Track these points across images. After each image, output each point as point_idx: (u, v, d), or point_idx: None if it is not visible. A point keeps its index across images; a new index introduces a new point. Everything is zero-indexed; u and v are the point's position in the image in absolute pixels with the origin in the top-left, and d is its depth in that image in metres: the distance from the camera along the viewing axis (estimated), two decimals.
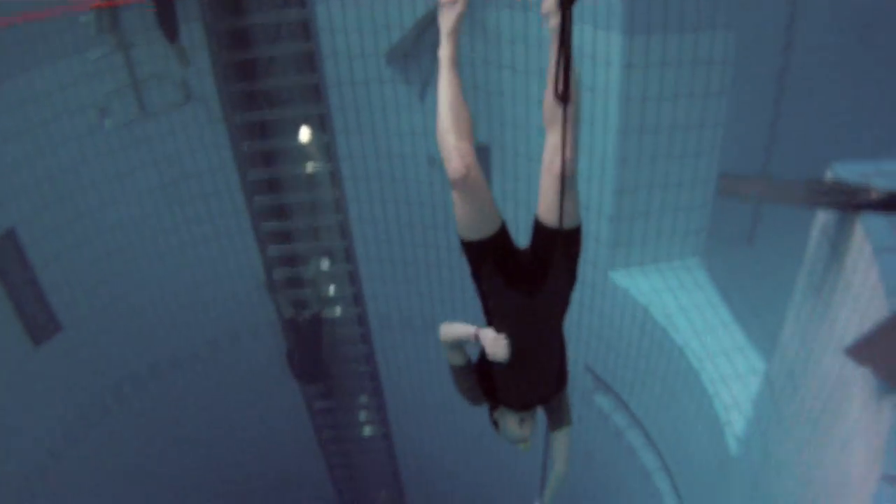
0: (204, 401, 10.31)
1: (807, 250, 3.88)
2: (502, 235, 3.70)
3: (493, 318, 3.92)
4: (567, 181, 3.40)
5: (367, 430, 11.42)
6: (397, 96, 7.78)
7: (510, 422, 4.25)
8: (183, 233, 8.87)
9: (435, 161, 7.93)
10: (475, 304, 8.33)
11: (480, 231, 3.64)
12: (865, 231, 3.13)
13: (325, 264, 9.65)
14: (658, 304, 6.56)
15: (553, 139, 3.42)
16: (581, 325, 7.53)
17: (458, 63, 3.62)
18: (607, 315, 7.16)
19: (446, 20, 3.61)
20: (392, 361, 10.40)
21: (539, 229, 3.72)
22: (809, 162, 4.09)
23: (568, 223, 3.58)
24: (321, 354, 10.25)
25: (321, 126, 8.44)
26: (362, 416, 11.30)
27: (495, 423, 4.38)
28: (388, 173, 8.36)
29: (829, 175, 3.48)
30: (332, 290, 9.81)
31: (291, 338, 10.21)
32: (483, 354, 3.96)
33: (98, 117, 7.60)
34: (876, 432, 2.66)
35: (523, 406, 4.20)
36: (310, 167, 8.86)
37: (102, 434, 9.03)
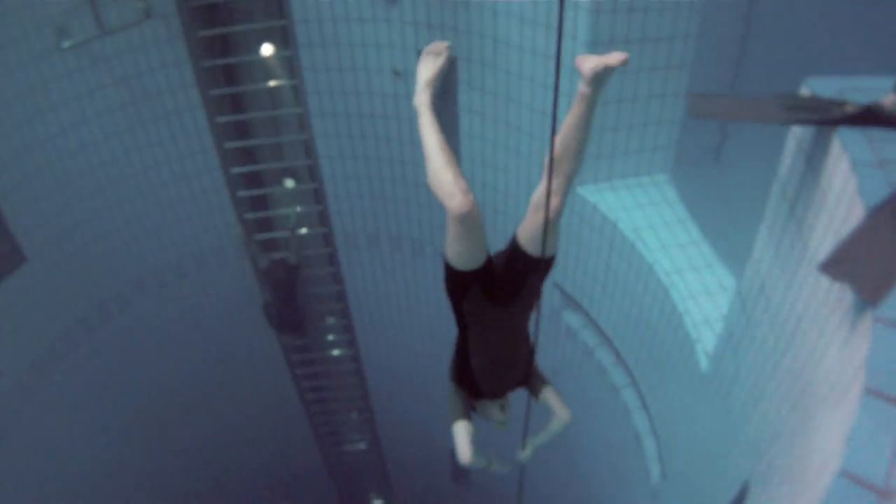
0: (173, 329, 10.23)
1: (780, 164, 3.79)
2: (489, 263, 3.99)
3: (466, 324, 4.39)
4: (551, 223, 3.72)
5: (336, 351, 11.40)
6: (361, 8, 7.55)
7: (492, 409, 4.94)
8: (145, 154, 8.64)
9: (400, 73, 7.77)
10: (441, 221, 8.30)
11: (472, 263, 3.91)
12: (843, 145, 3.04)
13: (289, 183, 9.52)
14: (626, 220, 6.49)
15: (545, 185, 3.59)
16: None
17: (434, 105, 3.89)
18: (575, 231, 7.08)
19: (426, 70, 3.92)
20: (359, 281, 10.33)
21: (518, 253, 4.07)
22: (781, 78, 3.99)
23: (548, 253, 3.99)
24: (298, 304, 10.35)
25: (284, 40, 8.20)
26: (330, 337, 11.26)
27: (473, 408, 4.98)
28: (353, 87, 8.17)
29: (802, 91, 3.40)
30: (298, 209, 9.68)
31: (268, 289, 10.25)
32: (461, 358, 4.65)
33: (55, 37, 7.29)
34: (856, 346, 2.60)
35: (502, 395, 4.87)
36: (273, 82, 8.65)
37: (72, 367, 8.93)
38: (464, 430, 4.85)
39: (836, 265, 2.70)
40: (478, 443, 4.83)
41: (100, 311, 9.06)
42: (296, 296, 10.36)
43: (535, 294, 4.26)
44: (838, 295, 2.96)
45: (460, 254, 3.87)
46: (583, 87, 3.53)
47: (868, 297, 2.64)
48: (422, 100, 3.87)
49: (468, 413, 4.96)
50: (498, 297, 4.17)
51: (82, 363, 9.04)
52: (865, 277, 2.63)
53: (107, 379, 9.54)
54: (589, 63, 3.45)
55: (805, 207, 3.43)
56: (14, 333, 8.14)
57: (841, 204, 2.99)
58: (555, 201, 3.75)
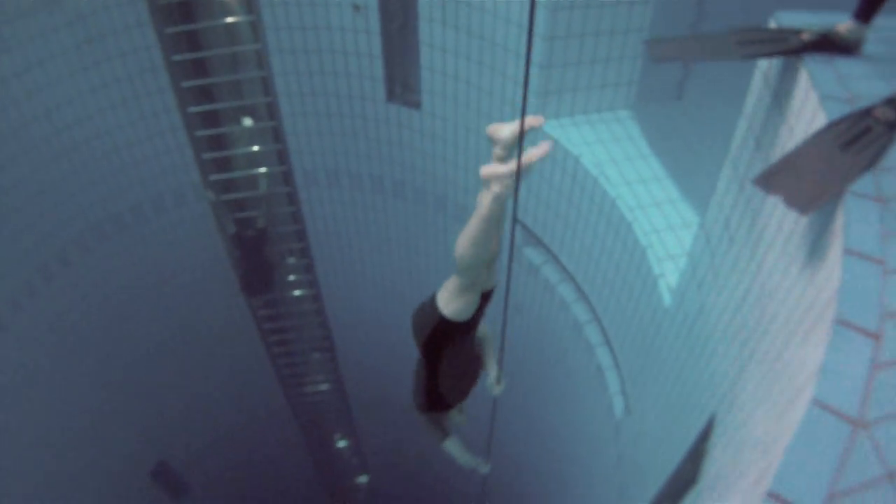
0: (132, 274, 10.12)
1: (747, 100, 3.78)
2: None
3: (440, 360, 4.71)
4: (491, 264, 4.31)
5: (297, 292, 11.35)
6: None
7: (454, 415, 5.54)
8: (100, 96, 8.44)
9: (359, 8, 7.65)
10: (402, 159, 8.27)
11: (466, 314, 4.27)
12: (811, 80, 3.04)
13: (247, 122, 9.39)
14: (589, 154, 6.47)
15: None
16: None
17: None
18: (537, 166, 7.06)
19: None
20: (319, 219, 10.26)
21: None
22: (745, 15, 3.97)
23: (491, 286, 4.42)
24: (267, 266, 10.51)
25: None
26: (291, 277, 11.21)
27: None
28: (312, 22, 8.02)
29: (770, 24, 3.40)
30: (255, 148, 9.56)
31: (236, 254, 10.32)
32: (431, 388, 4.99)
33: None
34: (825, 279, 2.62)
35: (464, 398, 5.36)
36: (230, 19, 8.46)
37: (33, 317, 8.82)
38: (458, 445, 5.63)
39: (771, 178, 2.73)
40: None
41: (59, 259, 8.91)
42: (265, 259, 10.50)
43: (483, 312, 4.51)
44: (806, 229, 2.97)
45: (462, 310, 4.22)
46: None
47: (799, 208, 2.67)
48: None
49: (449, 428, 5.58)
50: (466, 330, 4.46)
51: (44, 312, 8.93)
52: (799, 190, 2.66)
53: (70, 326, 9.44)
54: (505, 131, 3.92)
55: (772, 143, 3.43)
56: None
57: (809, 133, 3.00)
58: (493, 245, 4.17)
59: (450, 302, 4.23)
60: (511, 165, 3.59)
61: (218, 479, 14.06)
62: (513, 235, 3.87)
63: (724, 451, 3.39)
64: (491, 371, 5.52)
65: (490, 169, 3.60)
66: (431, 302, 4.42)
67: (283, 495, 16.40)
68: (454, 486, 7.30)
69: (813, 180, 2.65)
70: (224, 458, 13.98)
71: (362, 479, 16.69)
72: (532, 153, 3.55)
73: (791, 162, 2.69)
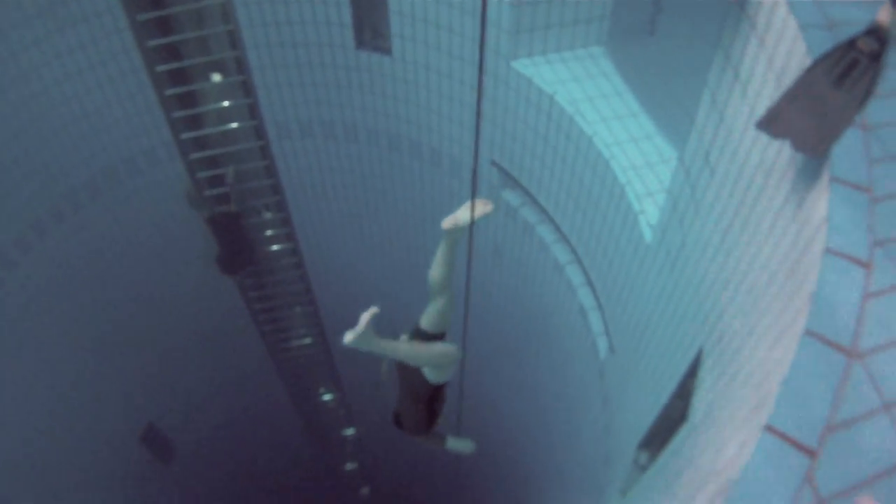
0: (109, 239, 10.03)
1: (724, 30, 3.72)
2: None
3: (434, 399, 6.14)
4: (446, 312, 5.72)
5: (275, 246, 11.27)
6: None
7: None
8: (66, 62, 8.27)
9: None
10: (374, 106, 8.18)
11: (447, 378, 5.93)
12: (790, 8, 2.98)
13: (216, 77, 9.24)
14: (564, 92, 6.40)
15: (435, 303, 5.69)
16: (485, 118, 7.37)
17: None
18: (511, 106, 6.98)
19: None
20: (294, 172, 10.17)
21: (427, 334, 5.72)
22: None
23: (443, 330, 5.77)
24: (244, 247, 10.72)
25: None
26: (268, 232, 11.12)
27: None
28: None
29: None
30: (225, 104, 9.41)
31: (212, 234, 10.42)
32: (429, 416, 6.25)
33: None
34: (812, 209, 2.59)
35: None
36: None
37: (11, 285, 8.75)
38: (455, 440, 6.84)
39: (775, 121, 2.68)
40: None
41: (35, 228, 8.79)
42: (241, 241, 10.67)
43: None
44: (789, 159, 2.93)
45: (447, 374, 5.87)
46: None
47: (810, 152, 2.63)
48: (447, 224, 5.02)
49: (440, 432, 6.78)
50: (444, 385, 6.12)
51: (23, 281, 8.85)
52: (805, 132, 2.62)
53: (50, 293, 9.35)
54: (447, 222, 4.99)
55: (750, 72, 3.38)
56: None
57: (789, 68, 2.94)
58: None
59: (440, 374, 5.80)
60: (463, 215, 4.97)
61: (206, 440, 14.10)
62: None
63: (714, 386, 3.37)
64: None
65: (448, 222, 5.00)
66: (424, 382, 5.90)
67: (271, 452, 16.48)
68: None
69: (816, 121, 2.60)
70: (211, 418, 14.00)
71: (349, 431, 16.75)
72: (478, 210, 4.86)
73: (787, 103, 2.64)
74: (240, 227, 10.63)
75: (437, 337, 5.75)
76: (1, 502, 8.57)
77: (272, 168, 10.00)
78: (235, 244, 10.74)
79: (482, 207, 4.89)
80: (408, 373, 5.98)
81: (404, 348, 5.48)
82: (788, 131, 2.66)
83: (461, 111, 7.71)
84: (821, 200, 2.52)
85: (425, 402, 6.10)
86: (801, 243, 2.62)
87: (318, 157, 9.85)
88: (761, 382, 2.48)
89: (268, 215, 10.94)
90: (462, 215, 4.95)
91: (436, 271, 5.41)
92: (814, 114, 2.58)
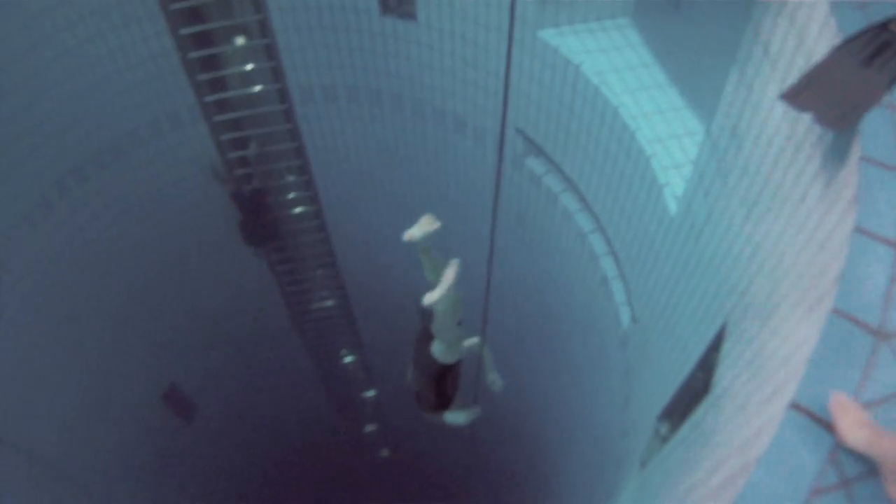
0: (133, 201, 10.08)
1: (754, 5, 3.70)
2: None
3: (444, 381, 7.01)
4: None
5: (298, 209, 11.32)
6: None
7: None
8: (89, 25, 8.26)
9: None
10: (399, 72, 8.16)
11: (452, 359, 6.78)
12: None
13: (240, 41, 9.24)
14: (590, 63, 6.37)
15: None
16: (510, 86, 7.35)
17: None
18: (537, 75, 6.96)
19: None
20: (317, 136, 10.18)
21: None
22: None
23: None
24: (267, 222, 11.12)
25: None
26: (291, 195, 11.16)
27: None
28: None
29: None
30: (249, 67, 9.42)
31: (237, 209, 10.81)
32: (442, 393, 7.14)
33: None
34: (842, 186, 2.59)
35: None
36: None
37: (35, 246, 8.79)
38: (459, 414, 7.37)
39: (800, 94, 2.69)
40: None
41: (58, 188, 8.85)
42: (265, 216, 11.04)
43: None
44: (819, 136, 2.93)
45: (453, 355, 6.77)
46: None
47: (832, 126, 2.64)
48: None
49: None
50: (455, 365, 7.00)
51: (45, 243, 8.90)
52: (830, 106, 2.63)
53: (74, 254, 9.41)
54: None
55: (780, 49, 3.37)
56: None
57: (819, 45, 2.93)
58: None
59: (444, 354, 6.68)
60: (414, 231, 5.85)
61: (227, 400, 14.20)
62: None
63: (738, 360, 3.39)
64: (490, 375, 7.38)
65: (429, 297, 5.81)
66: (432, 360, 6.79)
67: (291, 413, 16.59)
68: (457, 400, 7.61)
69: (841, 97, 2.60)
70: (232, 378, 14.10)
71: (369, 393, 16.85)
72: (448, 275, 5.78)
73: (815, 78, 2.64)
74: (263, 202, 10.93)
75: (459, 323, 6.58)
76: (27, 456, 8.68)
77: (295, 131, 10.02)
78: (259, 219, 11.04)
79: (428, 225, 5.85)
80: (421, 352, 6.85)
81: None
82: (812, 105, 2.67)
83: (486, 79, 7.69)
84: (851, 179, 2.52)
85: (435, 379, 6.95)
86: (829, 221, 2.62)
87: (342, 122, 9.85)
88: (787, 359, 2.50)
89: (290, 178, 10.98)
90: (414, 231, 5.87)
91: (427, 275, 6.21)
92: (840, 90, 2.58)
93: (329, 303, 13.34)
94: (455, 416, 7.28)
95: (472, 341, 7.03)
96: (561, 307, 8.64)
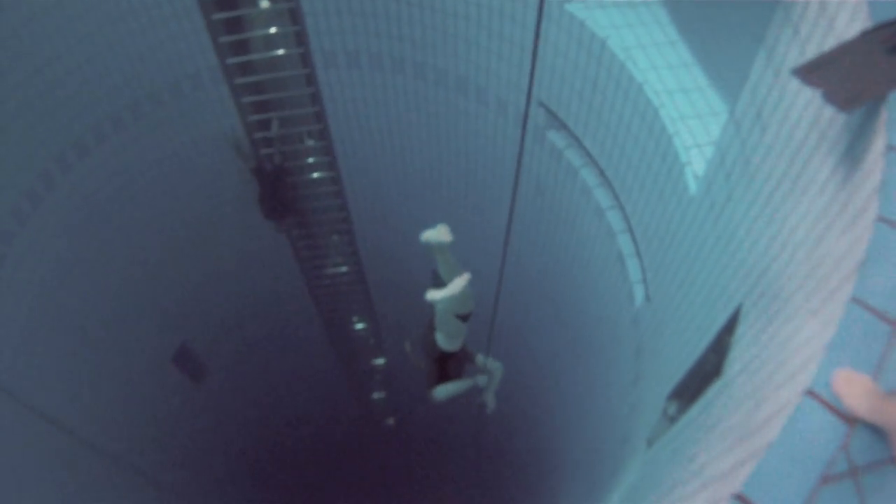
0: (152, 162, 10.09)
1: None
2: None
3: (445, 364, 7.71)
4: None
5: (316, 174, 11.31)
6: None
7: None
8: None
9: None
10: (423, 40, 8.10)
11: (456, 347, 7.47)
12: None
13: (264, 4, 9.21)
14: (616, 38, 6.32)
15: None
16: (536, 58, 7.29)
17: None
18: (562, 49, 6.90)
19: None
20: (338, 101, 10.15)
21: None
22: None
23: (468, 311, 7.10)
24: (287, 197, 11.25)
25: None
26: (310, 159, 11.15)
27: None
28: None
29: None
30: (272, 30, 9.38)
31: (258, 184, 10.93)
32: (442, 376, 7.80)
33: None
34: (866, 174, 2.56)
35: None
36: None
37: (54, 204, 8.81)
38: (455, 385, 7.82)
39: (812, 71, 2.67)
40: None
41: (76, 147, 8.85)
42: (285, 192, 11.16)
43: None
44: (845, 124, 2.90)
45: (454, 345, 7.40)
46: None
47: (839, 105, 2.62)
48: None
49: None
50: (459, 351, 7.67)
51: (64, 201, 8.92)
52: (840, 87, 2.61)
53: (90, 213, 9.45)
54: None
55: (810, 32, 3.33)
56: None
57: (850, 31, 2.90)
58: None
59: (448, 340, 7.30)
60: (446, 292, 6.42)
61: (237, 362, 14.28)
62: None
63: (752, 344, 3.38)
64: (488, 396, 8.17)
65: (431, 295, 6.49)
66: (435, 345, 7.43)
67: (300, 377, 16.67)
68: (468, 371, 7.77)
69: (856, 79, 2.58)
70: (243, 340, 14.16)
71: (379, 361, 16.91)
72: (456, 284, 6.37)
73: (833, 57, 2.61)
74: (284, 178, 11.05)
75: (465, 317, 7.10)
76: (38, 412, 8.74)
77: (317, 96, 10.00)
78: (279, 194, 11.15)
79: (442, 235, 6.45)
80: (428, 334, 7.43)
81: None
82: (823, 83, 2.67)
83: (510, 50, 7.64)
84: (876, 167, 2.49)
85: (436, 361, 7.60)
86: (852, 208, 2.60)
87: (364, 88, 9.82)
88: (803, 345, 2.48)
89: (310, 143, 10.97)
90: (430, 234, 6.49)
91: (440, 271, 6.75)
92: (857, 73, 2.57)
93: (343, 269, 13.36)
94: (442, 390, 7.74)
95: (494, 364, 7.87)
96: (575, 282, 8.63)
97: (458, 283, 6.39)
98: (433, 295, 6.55)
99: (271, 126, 10.43)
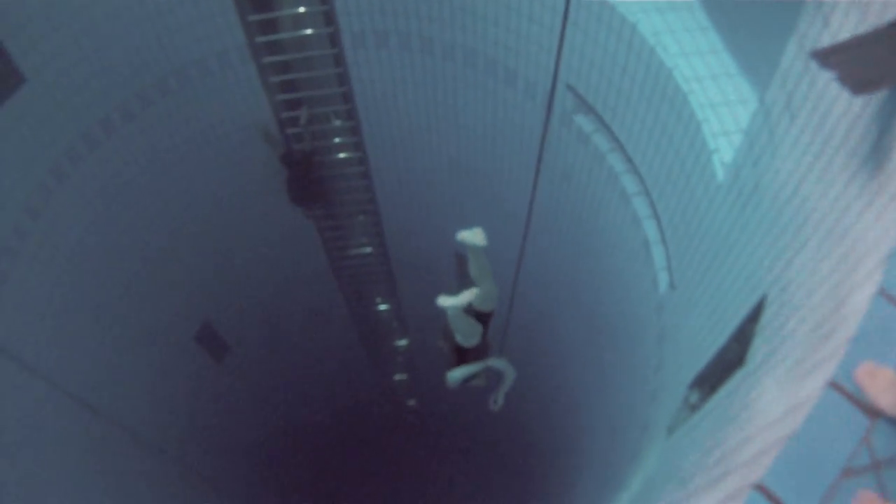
0: (177, 140, 10.11)
1: None
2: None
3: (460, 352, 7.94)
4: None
5: (343, 154, 11.32)
6: None
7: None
8: None
9: None
10: (452, 20, 8.08)
11: (474, 342, 7.76)
12: None
13: None
14: (646, 22, 6.27)
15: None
16: (564, 41, 7.27)
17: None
18: (592, 32, 6.86)
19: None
20: (366, 81, 10.13)
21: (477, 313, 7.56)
22: None
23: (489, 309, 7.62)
24: (315, 184, 11.44)
25: None
26: (336, 140, 11.16)
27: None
28: None
29: None
30: (301, 10, 9.38)
31: (286, 171, 11.13)
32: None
33: None
34: None
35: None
36: None
37: (79, 182, 8.84)
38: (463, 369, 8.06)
39: (830, 54, 2.67)
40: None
41: (102, 125, 8.88)
42: (312, 177, 11.32)
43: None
44: (876, 114, 2.86)
45: (471, 341, 7.66)
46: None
47: (853, 89, 2.61)
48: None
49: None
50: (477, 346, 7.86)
51: (89, 179, 8.96)
52: (855, 72, 2.59)
53: (116, 190, 9.48)
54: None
55: (842, 23, 3.29)
56: (19, 154, 7.96)
57: (883, 19, 2.87)
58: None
59: (461, 340, 7.66)
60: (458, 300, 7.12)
61: (259, 340, 14.32)
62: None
63: (776, 334, 3.36)
64: (498, 395, 8.50)
65: (442, 300, 7.11)
66: (453, 338, 7.73)
67: (322, 357, 16.71)
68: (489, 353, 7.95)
69: (877, 65, 2.56)
70: (266, 319, 14.20)
71: (401, 342, 16.94)
72: (465, 296, 7.13)
73: (859, 43, 2.60)
74: (312, 165, 11.17)
75: (487, 315, 7.56)
76: (60, 391, 8.80)
77: (345, 76, 9.99)
78: (308, 182, 11.32)
79: (478, 238, 6.68)
80: (447, 329, 7.73)
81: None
82: (839, 66, 2.65)
83: (539, 31, 7.60)
84: None
85: (455, 351, 7.93)
86: (880, 201, 2.58)
87: (392, 69, 9.80)
88: (827, 338, 2.47)
89: (337, 123, 10.97)
90: (465, 235, 6.71)
91: (471, 271, 7.10)
92: (879, 59, 2.55)
93: (367, 249, 13.38)
94: (455, 373, 7.99)
95: (507, 368, 8.18)
96: (600, 268, 8.61)
97: (466, 295, 7.02)
98: (444, 301, 7.00)
99: (301, 116, 10.50)
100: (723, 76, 5.89)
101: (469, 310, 7.41)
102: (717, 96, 5.74)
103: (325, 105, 10.50)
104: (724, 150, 5.38)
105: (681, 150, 6.00)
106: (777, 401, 2.66)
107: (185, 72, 9.44)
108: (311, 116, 10.55)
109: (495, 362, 8.18)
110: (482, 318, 7.59)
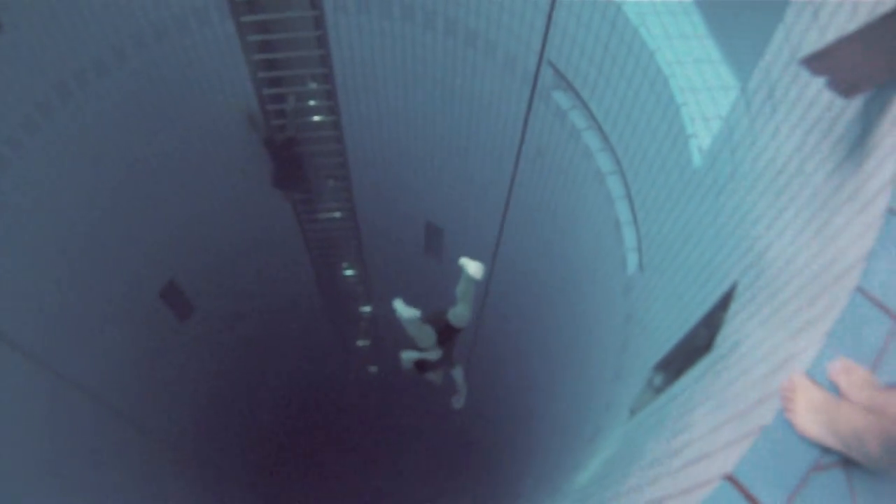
0: (151, 97, 9.96)
1: None
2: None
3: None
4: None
5: (317, 117, 11.24)
6: None
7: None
8: None
9: None
10: None
11: (463, 323, 8.14)
12: None
13: None
14: (632, 3, 6.26)
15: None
16: (546, 15, 7.24)
17: None
18: (575, 9, 6.82)
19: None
20: (345, 46, 10.04)
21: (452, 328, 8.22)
22: None
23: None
24: (297, 171, 11.71)
25: None
26: (312, 102, 11.07)
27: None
28: None
29: None
30: None
31: (269, 156, 11.41)
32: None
33: None
34: (879, 162, 2.54)
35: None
36: None
37: (48, 135, 8.67)
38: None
39: (818, 60, 2.68)
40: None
41: (76, 79, 8.71)
42: (296, 162, 11.58)
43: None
44: (859, 112, 2.86)
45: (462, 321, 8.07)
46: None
47: (842, 93, 2.62)
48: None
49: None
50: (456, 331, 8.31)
51: (59, 133, 8.79)
52: (844, 75, 2.62)
53: (84, 146, 9.31)
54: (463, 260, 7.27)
55: (831, 16, 3.29)
56: None
57: (875, 12, 2.87)
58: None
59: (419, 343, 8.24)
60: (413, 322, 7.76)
61: (224, 300, 14.25)
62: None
63: (746, 323, 3.38)
64: (457, 401, 9.30)
65: (400, 308, 7.66)
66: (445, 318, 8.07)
67: (286, 318, 16.68)
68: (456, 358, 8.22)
69: (865, 66, 2.57)
70: (231, 279, 14.11)
71: (366, 308, 16.92)
72: (418, 327, 7.95)
73: (844, 46, 2.60)
74: (295, 151, 11.39)
75: (456, 331, 8.18)
76: (17, 342, 8.69)
77: (324, 39, 9.89)
78: (290, 166, 11.58)
79: (476, 271, 7.17)
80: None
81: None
82: (827, 71, 2.70)
83: (523, 5, 7.56)
84: (887, 158, 2.47)
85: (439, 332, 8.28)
86: (861, 198, 2.58)
87: (372, 35, 9.71)
88: (800, 330, 2.48)
89: (313, 86, 10.89)
90: (466, 262, 7.22)
91: (457, 290, 7.65)
92: (867, 59, 2.56)
93: (337, 214, 13.33)
94: (405, 355, 8.57)
95: (458, 376, 8.96)
96: (570, 245, 8.63)
97: (416, 325, 7.87)
98: (399, 308, 7.59)
99: (287, 104, 10.74)
100: (705, 61, 5.90)
101: (439, 321, 8.08)
102: (699, 81, 5.74)
103: (303, 67, 10.41)
104: (702, 135, 5.38)
105: (658, 132, 6.00)
106: (747, 391, 2.68)
107: (162, 27, 9.30)
108: (297, 95, 10.73)
109: (455, 373, 8.94)
110: (451, 332, 8.17)
